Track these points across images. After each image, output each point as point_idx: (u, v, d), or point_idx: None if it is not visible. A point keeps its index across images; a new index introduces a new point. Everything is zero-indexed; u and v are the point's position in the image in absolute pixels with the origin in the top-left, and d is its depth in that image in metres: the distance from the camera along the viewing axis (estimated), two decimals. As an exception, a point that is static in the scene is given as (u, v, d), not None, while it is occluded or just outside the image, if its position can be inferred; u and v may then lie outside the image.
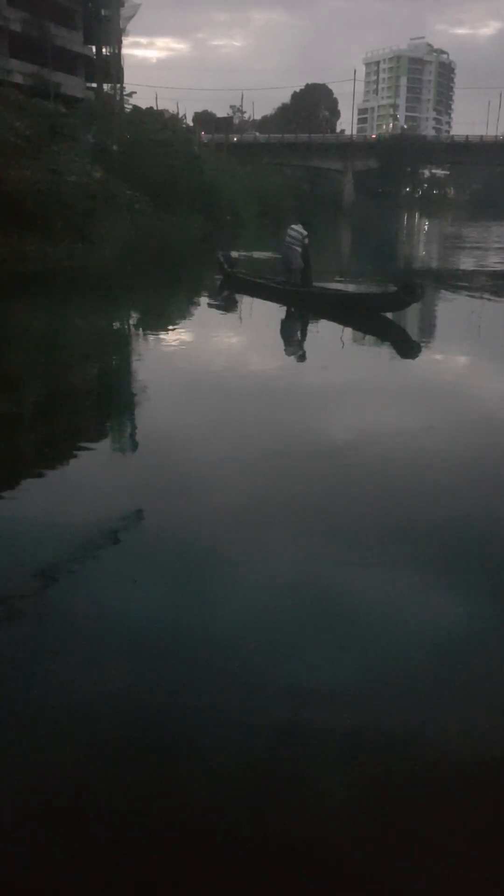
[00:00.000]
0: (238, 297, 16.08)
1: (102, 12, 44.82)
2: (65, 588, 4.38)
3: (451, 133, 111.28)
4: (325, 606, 4.22)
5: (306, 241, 14.97)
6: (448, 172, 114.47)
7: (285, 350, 11.86)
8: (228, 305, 15.53)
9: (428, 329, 14.06)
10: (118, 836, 2.71)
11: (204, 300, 16.79)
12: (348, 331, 13.07)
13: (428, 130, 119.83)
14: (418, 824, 2.77)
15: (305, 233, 15.02)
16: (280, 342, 12.43)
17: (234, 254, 17.84)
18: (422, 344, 12.35)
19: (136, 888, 2.53)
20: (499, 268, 25.55)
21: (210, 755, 3.07)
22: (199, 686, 3.49)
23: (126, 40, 49.19)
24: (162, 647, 3.79)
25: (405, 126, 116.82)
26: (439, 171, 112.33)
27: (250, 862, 2.61)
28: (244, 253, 22.93)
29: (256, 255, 23.13)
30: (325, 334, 13.00)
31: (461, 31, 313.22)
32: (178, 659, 3.70)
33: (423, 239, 46.44)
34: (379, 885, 2.56)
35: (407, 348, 11.94)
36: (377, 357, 11.44)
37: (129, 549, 4.83)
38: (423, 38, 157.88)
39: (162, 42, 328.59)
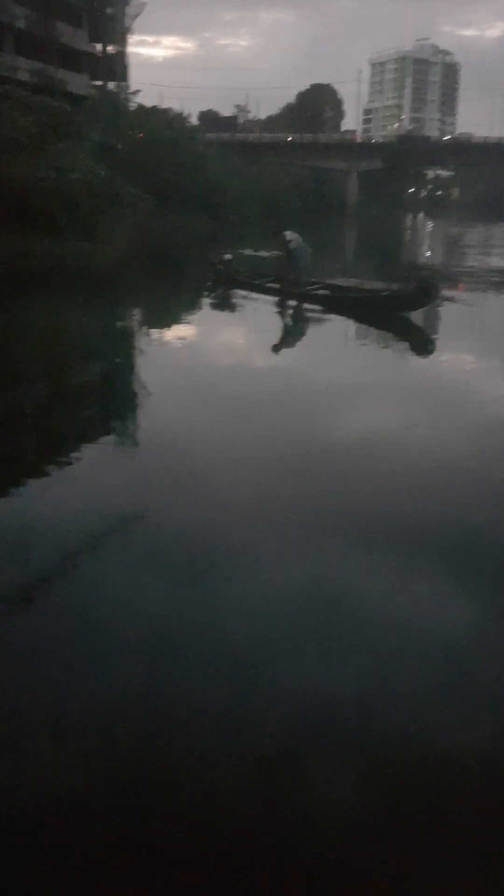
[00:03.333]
0: (239, 296, 15.90)
1: (108, 10, 44.73)
2: (69, 586, 4.36)
3: (456, 134, 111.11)
4: (329, 604, 4.19)
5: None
6: (453, 173, 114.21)
7: (297, 350, 11.82)
8: (231, 305, 15.41)
9: (441, 328, 13.98)
10: (122, 833, 2.69)
11: (207, 299, 16.67)
12: (363, 330, 13.05)
13: (433, 131, 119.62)
14: (424, 824, 2.75)
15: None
16: (292, 342, 12.40)
17: (228, 255, 17.57)
18: (437, 343, 12.29)
19: (140, 885, 2.51)
20: (497, 268, 25.52)
21: (215, 752, 3.06)
22: (204, 683, 3.47)
23: (132, 39, 49.30)
24: (167, 645, 3.76)
25: (410, 127, 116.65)
26: (444, 172, 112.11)
27: (255, 860, 2.60)
28: (251, 252, 22.87)
29: (263, 254, 23.06)
30: (338, 334, 12.95)
31: (468, 32, 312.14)
32: (184, 657, 3.68)
33: (427, 240, 46.38)
34: (383, 884, 2.54)
35: (424, 348, 11.91)
36: (392, 357, 11.42)
37: (134, 547, 4.80)
38: (428, 39, 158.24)
39: (169, 41, 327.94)
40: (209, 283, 17.35)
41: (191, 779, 2.93)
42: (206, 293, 16.97)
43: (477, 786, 2.97)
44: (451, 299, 15.49)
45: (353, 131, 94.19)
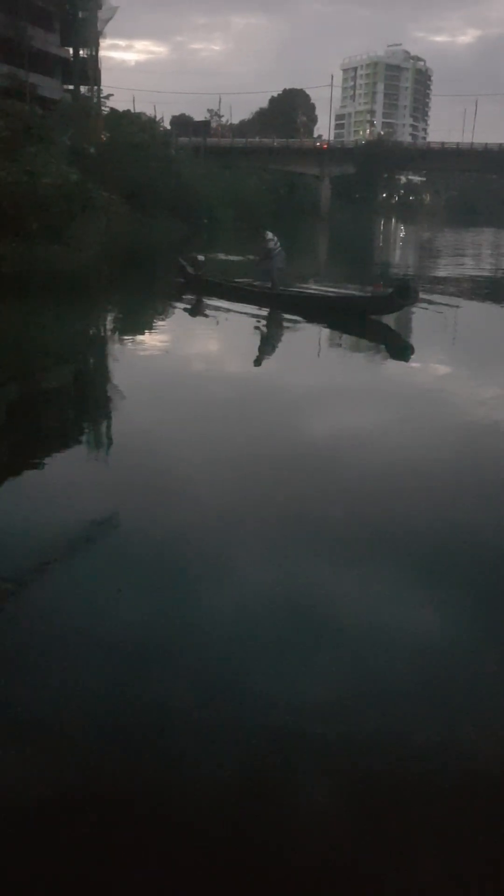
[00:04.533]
0: (212, 300, 15.74)
1: (80, 14, 44.53)
2: (45, 591, 4.34)
3: (428, 140, 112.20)
4: (307, 608, 4.19)
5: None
6: (424, 179, 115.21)
7: (272, 354, 11.82)
8: (203, 310, 15.32)
9: (417, 332, 14.03)
10: (103, 838, 2.70)
11: (180, 303, 16.48)
12: (340, 334, 13.10)
13: (404, 137, 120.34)
14: (405, 828, 2.78)
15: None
16: (268, 348, 12.36)
17: (200, 257, 17.42)
18: (414, 347, 12.33)
19: (121, 888, 2.53)
20: (472, 273, 25.74)
21: (195, 757, 3.07)
22: (182, 690, 3.47)
23: (104, 42, 49.02)
24: (146, 652, 3.75)
25: (382, 132, 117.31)
26: (415, 178, 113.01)
27: (235, 864, 2.61)
28: (224, 255, 22.83)
29: (233, 258, 23.07)
30: (315, 339, 12.97)
31: (440, 38, 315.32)
32: (162, 662, 3.67)
33: (399, 245, 46.68)
34: (365, 886, 2.57)
35: (402, 352, 11.96)
36: (370, 362, 11.47)
37: (109, 554, 4.78)
38: (400, 44, 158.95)
39: (141, 45, 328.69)
40: (178, 287, 17.19)
41: (171, 783, 2.95)
42: (176, 298, 16.74)
43: (463, 794, 2.99)
44: (426, 304, 15.57)
45: (320, 136, 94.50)
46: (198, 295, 16.21)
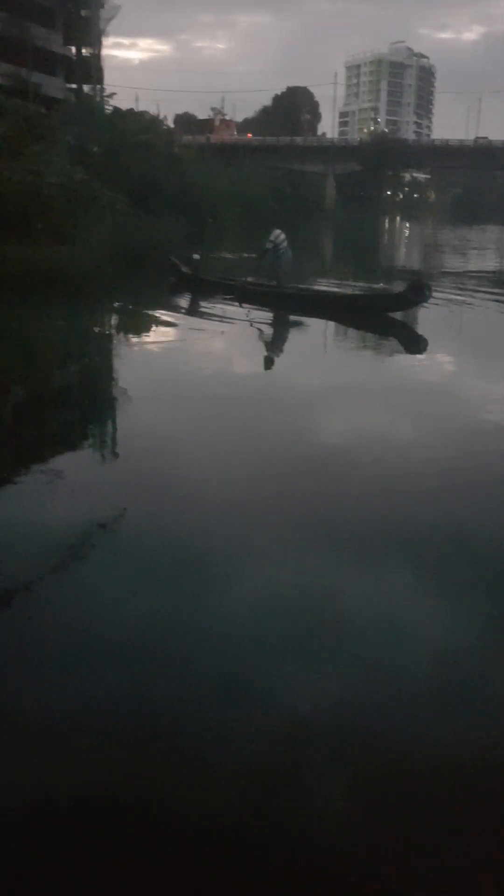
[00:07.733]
0: (210, 301, 15.27)
1: (82, 13, 44.52)
2: (52, 592, 4.28)
3: (432, 137, 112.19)
4: (315, 609, 4.13)
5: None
6: (429, 176, 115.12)
7: (279, 353, 11.75)
8: (201, 309, 14.92)
9: (431, 328, 13.87)
10: (114, 841, 2.65)
11: (177, 303, 16.11)
12: (352, 332, 13.08)
13: (408, 134, 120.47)
14: (415, 829, 2.73)
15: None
16: (272, 345, 12.26)
17: (196, 255, 17.06)
18: (429, 342, 12.19)
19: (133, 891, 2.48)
20: (478, 269, 25.66)
21: (204, 760, 3.01)
22: (192, 692, 3.41)
23: (108, 41, 49.07)
24: (155, 653, 3.69)
25: (386, 130, 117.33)
26: (420, 175, 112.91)
27: (246, 867, 2.57)
28: (229, 254, 22.71)
29: (228, 255, 22.95)
30: (328, 338, 12.93)
31: (444, 35, 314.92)
32: (172, 666, 3.60)
33: (404, 243, 46.59)
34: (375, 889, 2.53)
35: (415, 346, 11.90)
36: (386, 359, 11.42)
37: (120, 552, 4.73)
38: (403, 42, 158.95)
39: (145, 43, 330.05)
40: (171, 286, 16.95)
41: (180, 783, 2.89)
42: (170, 297, 16.41)
43: (471, 793, 2.91)
44: (438, 300, 15.42)
45: (324, 134, 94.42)
46: (193, 294, 15.91)
